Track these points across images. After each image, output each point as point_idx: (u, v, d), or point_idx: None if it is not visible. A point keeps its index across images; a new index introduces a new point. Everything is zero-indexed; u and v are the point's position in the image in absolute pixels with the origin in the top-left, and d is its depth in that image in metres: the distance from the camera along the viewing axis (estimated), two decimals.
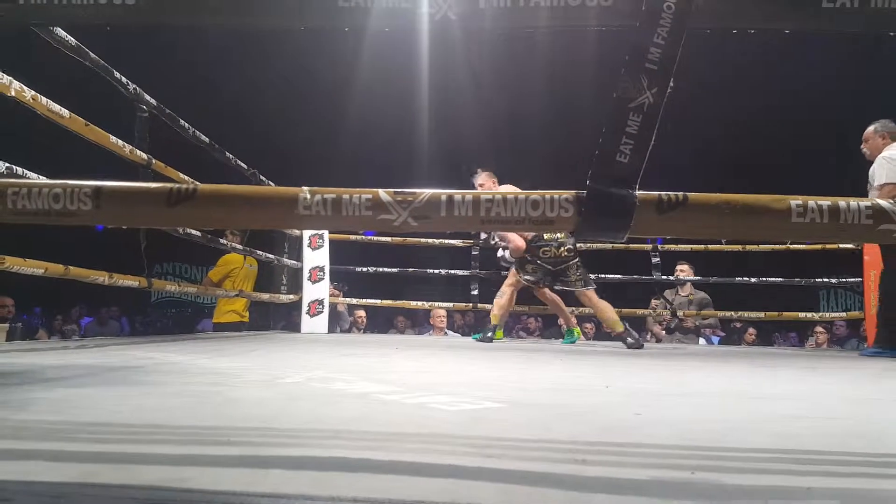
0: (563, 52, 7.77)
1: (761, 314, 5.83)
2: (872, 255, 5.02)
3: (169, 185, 1.08)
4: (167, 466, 0.79)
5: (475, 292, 5.93)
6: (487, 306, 6.48)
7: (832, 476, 0.85)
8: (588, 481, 0.79)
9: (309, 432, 1.04)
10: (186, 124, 3.74)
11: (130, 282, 3.24)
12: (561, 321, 5.06)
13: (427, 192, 1.14)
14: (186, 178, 3.67)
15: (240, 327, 5.51)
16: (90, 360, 2.16)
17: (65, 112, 2.69)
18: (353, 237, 6.04)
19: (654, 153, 1.05)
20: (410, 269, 6.29)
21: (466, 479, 0.79)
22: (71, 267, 2.80)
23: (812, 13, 1.11)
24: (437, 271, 6.30)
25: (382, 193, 1.14)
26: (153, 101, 3.37)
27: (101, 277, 2.98)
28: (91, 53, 2.85)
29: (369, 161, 10.17)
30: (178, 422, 1.10)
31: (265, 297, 5.39)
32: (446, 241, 6.02)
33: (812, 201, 1.07)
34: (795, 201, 1.07)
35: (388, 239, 6.03)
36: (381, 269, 6.20)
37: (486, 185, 4.57)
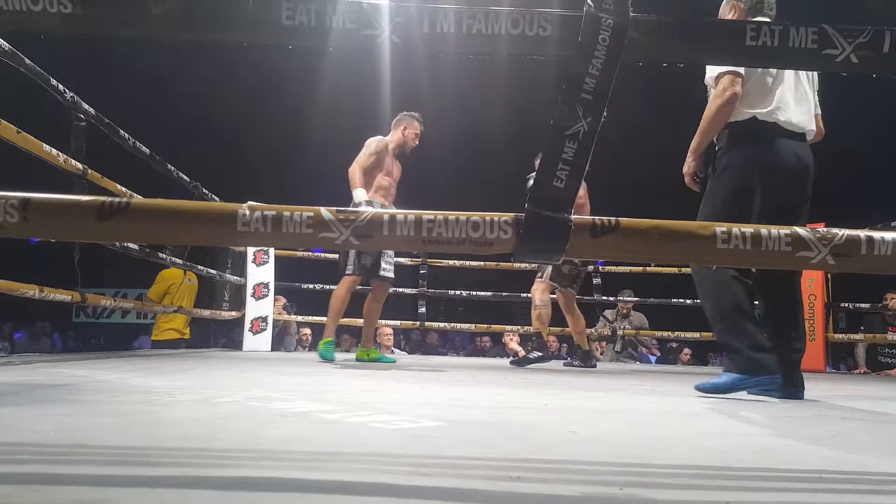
0: (520, 71, 7.97)
1: (697, 334, 6.03)
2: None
3: (101, 198, 1.05)
4: (86, 487, 0.76)
5: (423, 311, 5.93)
6: (434, 325, 6.50)
7: (751, 491, 0.89)
8: (519, 497, 0.81)
9: (242, 452, 1.03)
10: (126, 134, 3.63)
11: (63, 296, 3.11)
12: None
13: (369, 210, 1.15)
14: (123, 189, 3.56)
15: (179, 345, 5.34)
16: (14, 378, 2.05)
17: None
18: (299, 253, 5.96)
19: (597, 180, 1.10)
20: (357, 287, 6.24)
21: (400, 497, 0.79)
22: None
23: (736, 50, 1.18)
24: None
25: (324, 211, 1.14)
26: (91, 111, 3.27)
27: (32, 291, 2.85)
28: (26, 59, 2.75)
29: (329, 178, 10.13)
30: (104, 442, 1.06)
31: (206, 313, 5.25)
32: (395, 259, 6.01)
33: (736, 228, 1.13)
34: (720, 228, 1.12)
35: (336, 256, 5.97)
36: (327, 287, 6.12)
37: None
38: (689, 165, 2.47)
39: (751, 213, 2.28)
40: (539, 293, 4.33)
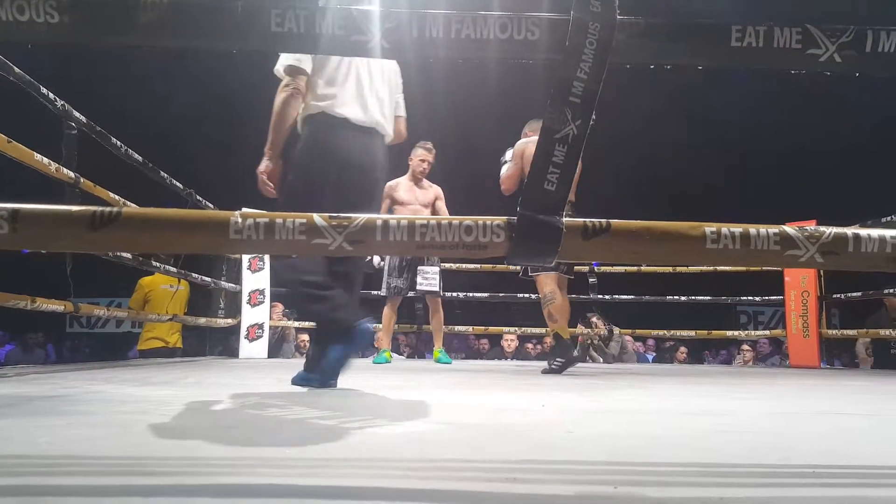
0: (511, 76, 8.01)
1: (692, 332, 6.05)
2: (793, 276, 5.31)
3: (92, 208, 1.05)
4: (81, 498, 0.76)
5: (420, 313, 5.93)
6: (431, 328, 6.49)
7: (745, 487, 0.90)
8: (514, 498, 0.81)
9: (239, 460, 1.03)
10: (119, 142, 3.62)
11: (55, 306, 3.10)
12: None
13: (362, 216, 1.15)
14: (116, 197, 3.56)
15: (166, 353, 5.29)
16: (8, 390, 2.05)
17: None
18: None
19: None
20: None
21: (397, 500, 0.80)
22: None
23: (723, 51, 1.19)
24: (379, 293, 6.23)
25: (317, 218, 1.14)
26: (83, 118, 3.26)
27: (23, 302, 2.84)
28: (15, 68, 2.74)
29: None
30: (100, 452, 1.06)
31: (202, 321, 5.23)
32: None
33: (725, 228, 1.14)
34: (710, 228, 1.13)
35: None
36: None
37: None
38: (265, 165, 2.26)
39: (320, 200, 2.05)
40: (546, 288, 3.63)
